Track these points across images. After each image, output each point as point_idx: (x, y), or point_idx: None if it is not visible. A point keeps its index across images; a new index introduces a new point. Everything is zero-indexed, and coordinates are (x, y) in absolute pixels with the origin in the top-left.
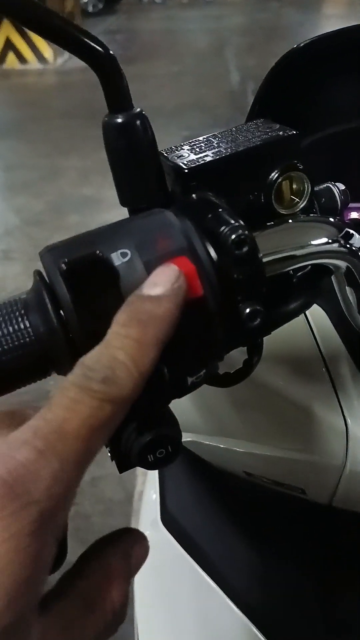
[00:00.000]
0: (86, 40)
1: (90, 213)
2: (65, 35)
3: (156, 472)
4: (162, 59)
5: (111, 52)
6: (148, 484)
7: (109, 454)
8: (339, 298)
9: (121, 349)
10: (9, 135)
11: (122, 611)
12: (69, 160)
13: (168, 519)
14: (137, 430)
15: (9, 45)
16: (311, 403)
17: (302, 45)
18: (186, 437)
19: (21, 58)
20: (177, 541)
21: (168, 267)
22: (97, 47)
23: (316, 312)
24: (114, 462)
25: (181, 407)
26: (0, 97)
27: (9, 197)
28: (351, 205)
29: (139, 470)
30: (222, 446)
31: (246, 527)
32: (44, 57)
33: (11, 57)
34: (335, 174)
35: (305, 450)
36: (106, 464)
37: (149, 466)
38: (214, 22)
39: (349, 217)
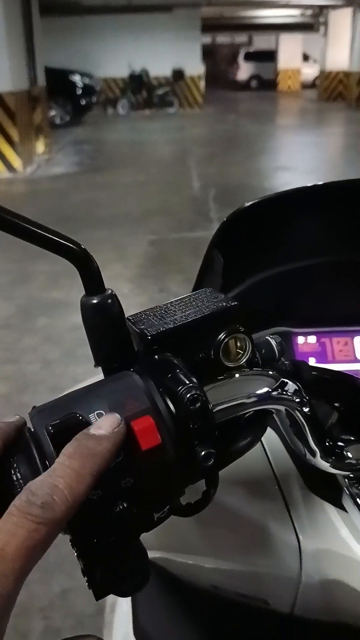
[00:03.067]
0: (64, 242)
1: (59, 316)
2: (48, 240)
3: None
4: (128, 168)
5: (83, 246)
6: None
7: (86, 583)
8: (284, 433)
9: (62, 477)
10: None
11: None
12: (38, 265)
13: (140, 633)
14: (111, 563)
15: None
16: (266, 520)
17: (247, 205)
18: (157, 554)
19: None
20: None
21: (112, 415)
22: (73, 246)
23: (269, 435)
24: (90, 590)
25: None
26: None
27: None
28: (301, 330)
29: None
30: (190, 562)
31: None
32: (13, 166)
33: None
34: (286, 304)
35: (264, 565)
36: (76, 575)
37: (122, 594)
38: (176, 133)
39: (297, 344)
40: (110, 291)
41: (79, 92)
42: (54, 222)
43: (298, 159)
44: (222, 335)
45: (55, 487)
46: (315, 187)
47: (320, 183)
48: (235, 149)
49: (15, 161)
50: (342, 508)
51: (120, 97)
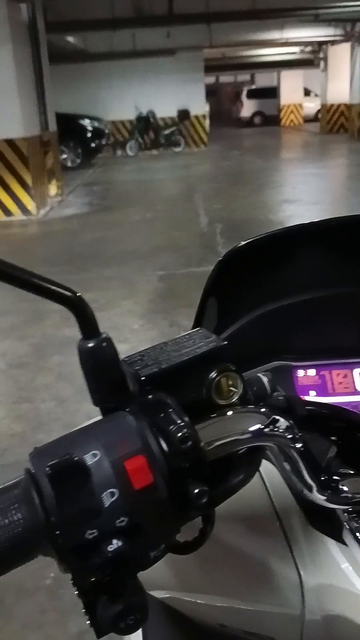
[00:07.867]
0: (59, 289)
1: (72, 353)
2: (44, 288)
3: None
4: (136, 206)
5: (78, 293)
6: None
7: (88, 622)
8: (278, 469)
9: None
10: None
11: None
12: (51, 304)
13: None
14: (109, 601)
15: None
16: (267, 557)
17: (241, 244)
18: (165, 594)
19: (6, 211)
20: None
21: None
22: (68, 293)
23: (269, 469)
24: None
25: (159, 566)
26: None
27: None
28: (301, 363)
29: None
30: (197, 601)
31: None
32: (27, 209)
33: None
34: (285, 338)
35: (266, 602)
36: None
37: (122, 632)
38: (183, 170)
39: (297, 378)
40: (105, 335)
41: (89, 135)
42: (66, 261)
43: (303, 191)
44: (213, 374)
45: None
46: (310, 224)
47: (316, 221)
48: (240, 184)
49: (29, 204)
50: (343, 542)
51: (129, 138)
